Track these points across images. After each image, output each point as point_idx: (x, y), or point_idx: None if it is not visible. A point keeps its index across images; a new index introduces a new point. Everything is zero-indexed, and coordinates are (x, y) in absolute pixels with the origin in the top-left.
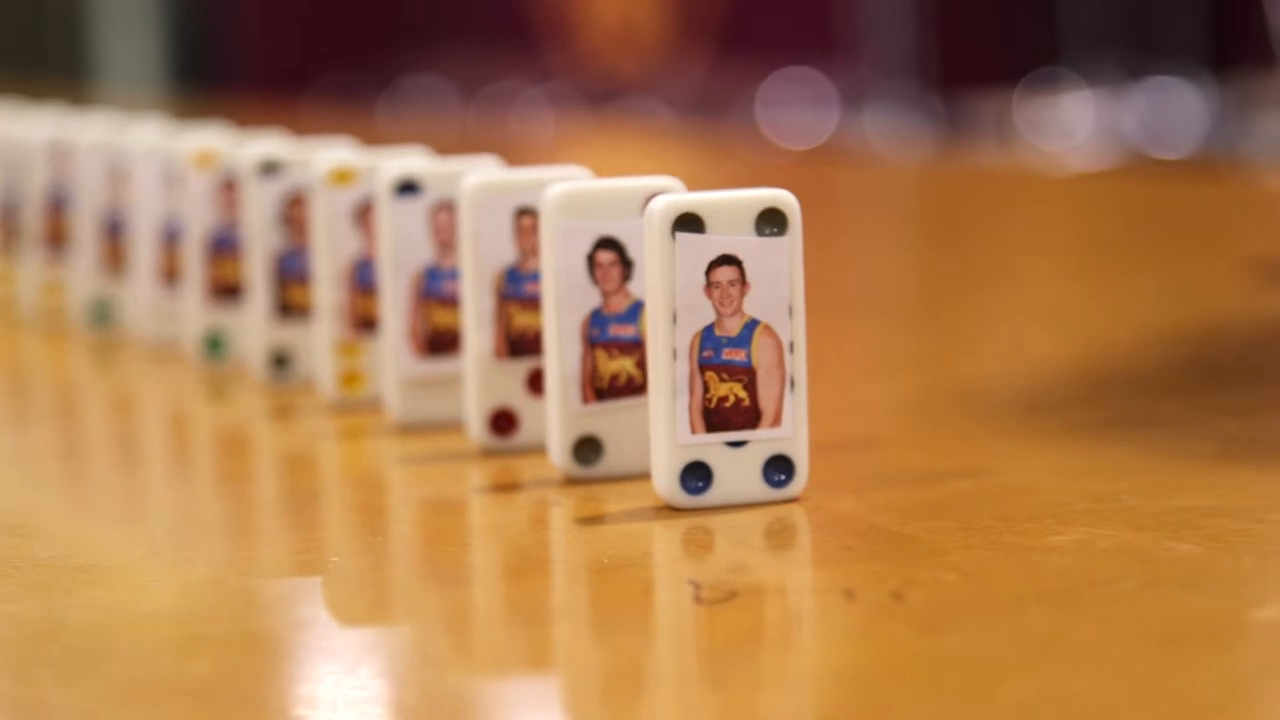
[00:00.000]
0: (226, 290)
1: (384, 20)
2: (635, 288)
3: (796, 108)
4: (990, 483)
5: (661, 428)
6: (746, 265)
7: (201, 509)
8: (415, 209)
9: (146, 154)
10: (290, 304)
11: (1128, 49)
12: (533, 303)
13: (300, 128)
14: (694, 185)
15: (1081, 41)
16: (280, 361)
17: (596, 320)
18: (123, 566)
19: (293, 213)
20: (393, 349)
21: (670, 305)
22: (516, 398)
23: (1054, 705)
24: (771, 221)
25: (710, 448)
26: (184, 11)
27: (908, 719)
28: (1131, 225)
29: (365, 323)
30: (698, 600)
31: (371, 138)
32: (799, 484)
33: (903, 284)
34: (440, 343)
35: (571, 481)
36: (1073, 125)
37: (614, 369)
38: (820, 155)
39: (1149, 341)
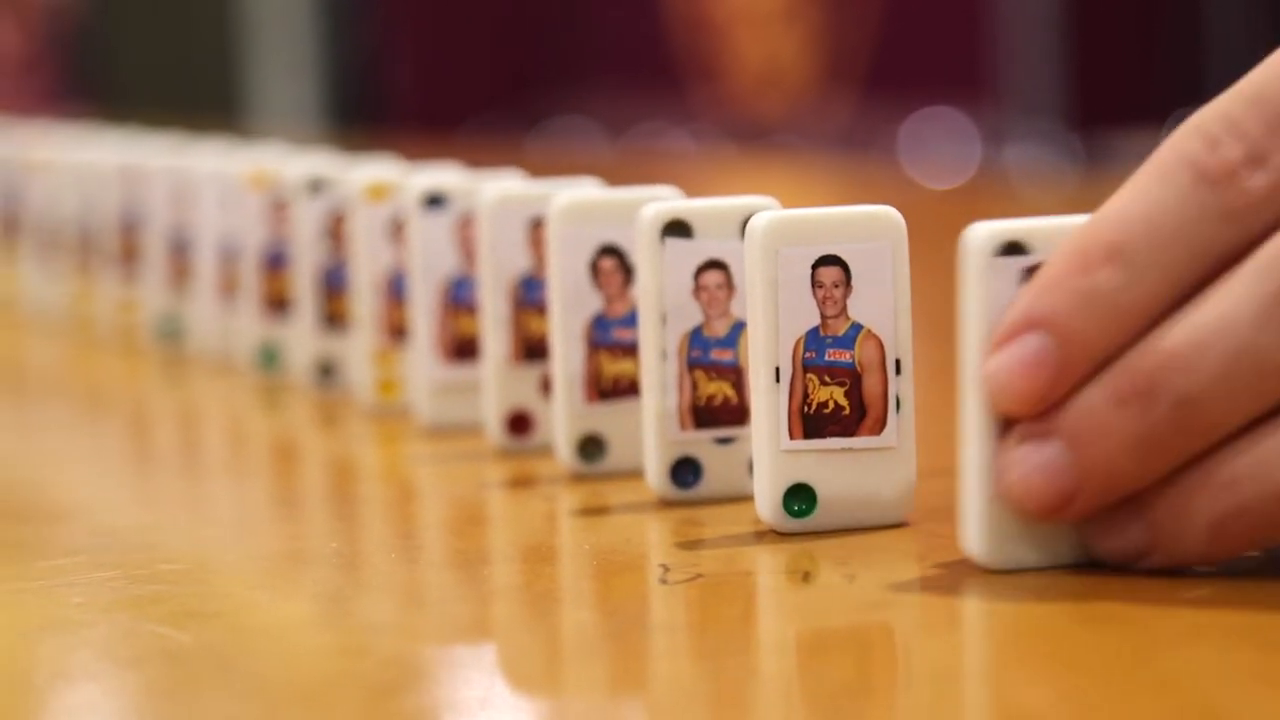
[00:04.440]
0: (279, 304)
1: (531, 62)
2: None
3: (938, 146)
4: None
5: (652, 424)
6: (733, 269)
7: (251, 508)
8: (442, 221)
9: (209, 175)
10: (335, 315)
11: None
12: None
13: (461, 164)
14: None
15: (1226, 80)
16: (326, 371)
17: (599, 324)
18: (188, 548)
19: (338, 228)
20: (422, 355)
21: (660, 307)
22: (532, 400)
23: (962, 671)
24: None
25: (700, 444)
26: (336, 53)
27: (837, 681)
28: None
29: (401, 332)
30: (662, 581)
31: (529, 172)
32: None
33: None
34: (466, 349)
35: (578, 478)
36: None
37: (617, 371)
38: (962, 193)
39: None
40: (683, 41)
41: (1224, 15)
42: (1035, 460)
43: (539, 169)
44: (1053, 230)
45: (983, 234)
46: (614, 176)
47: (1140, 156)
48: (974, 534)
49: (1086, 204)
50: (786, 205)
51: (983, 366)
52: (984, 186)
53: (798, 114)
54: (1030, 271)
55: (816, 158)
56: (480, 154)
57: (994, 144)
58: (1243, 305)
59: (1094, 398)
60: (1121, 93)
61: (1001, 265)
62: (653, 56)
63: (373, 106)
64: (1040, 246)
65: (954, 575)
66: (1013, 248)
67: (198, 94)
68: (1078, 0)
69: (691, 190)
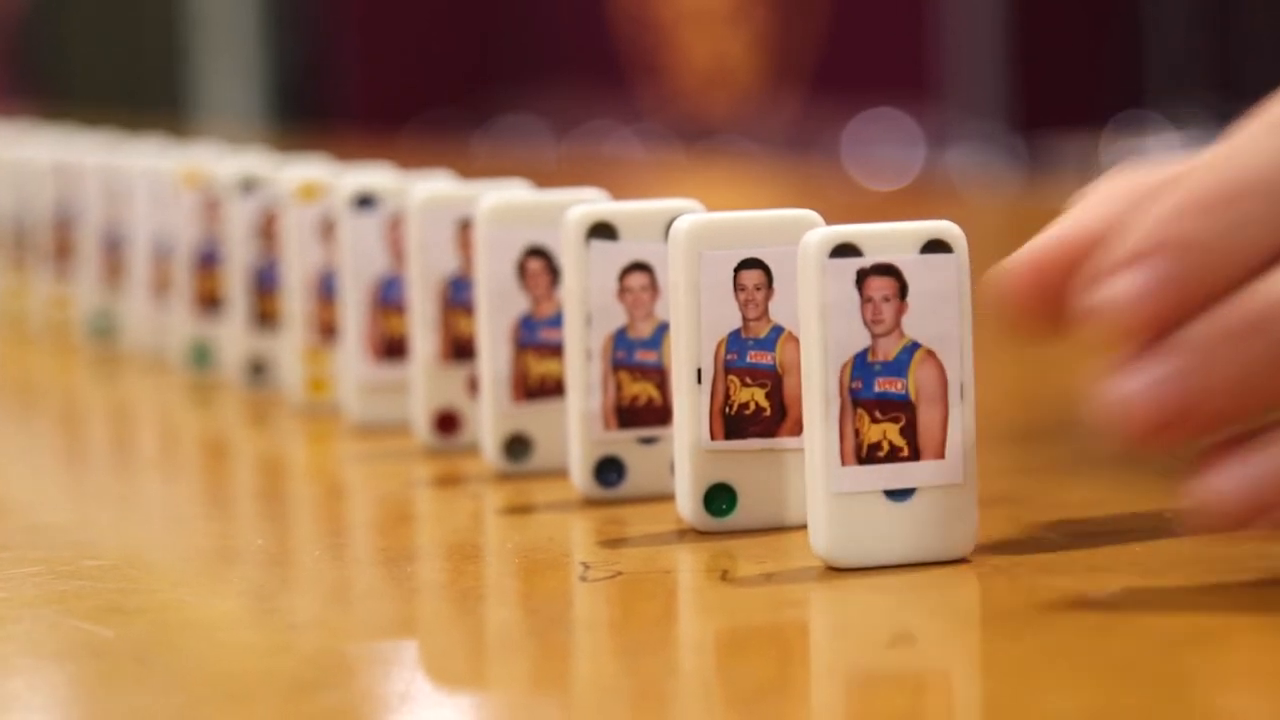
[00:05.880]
0: (211, 302)
1: (479, 60)
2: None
3: (882, 147)
4: None
5: (577, 424)
6: (658, 272)
7: (180, 505)
8: (372, 221)
9: (142, 173)
10: (266, 314)
11: (1214, 92)
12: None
13: (402, 162)
14: None
15: (1168, 84)
16: (257, 369)
17: (526, 324)
18: (115, 544)
19: (270, 227)
20: (351, 354)
21: (585, 309)
22: (459, 399)
23: (879, 667)
24: None
25: (623, 443)
26: (283, 50)
27: (754, 678)
28: None
29: (331, 331)
30: (583, 579)
31: (470, 172)
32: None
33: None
34: (395, 348)
35: (504, 477)
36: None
37: (543, 371)
38: (905, 195)
39: None
40: (630, 41)
41: (1165, 20)
42: (1138, 383)
43: (483, 168)
44: (882, 234)
45: (818, 237)
46: (556, 178)
47: (1080, 160)
48: (819, 532)
49: (1029, 206)
50: (727, 207)
51: (1103, 288)
52: (927, 188)
53: (743, 114)
54: (863, 274)
55: (761, 158)
56: (425, 153)
57: (937, 146)
58: None
59: (1203, 330)
60: (1064, 96)
61: (835, 266)
62: (600, 56)
63: (320, 104)
64: (870, 249)
65: (870, 573)
66: (845, 249)
67: (145, 90)
68: (1022, 3)
69: (631, 192)
